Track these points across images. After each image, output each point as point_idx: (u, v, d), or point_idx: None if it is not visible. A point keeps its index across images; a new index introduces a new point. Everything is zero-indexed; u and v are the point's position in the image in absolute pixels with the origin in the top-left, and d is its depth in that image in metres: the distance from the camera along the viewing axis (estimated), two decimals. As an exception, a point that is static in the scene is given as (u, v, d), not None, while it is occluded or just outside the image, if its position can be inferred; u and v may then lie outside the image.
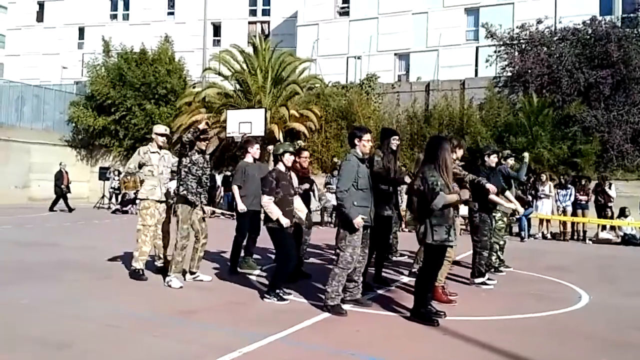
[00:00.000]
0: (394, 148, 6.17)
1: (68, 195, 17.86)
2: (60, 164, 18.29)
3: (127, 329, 4.47)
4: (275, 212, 5.46)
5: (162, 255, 6.92)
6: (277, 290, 5.58)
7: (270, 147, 7.41)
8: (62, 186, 17.66)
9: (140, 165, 6.64)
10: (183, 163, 6.33)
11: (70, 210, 17.33)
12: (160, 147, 6.77)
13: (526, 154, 8.44)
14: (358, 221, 5.01)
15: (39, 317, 4.78)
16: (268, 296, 5.55)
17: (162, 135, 6.79)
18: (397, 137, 6.28)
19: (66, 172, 18.13)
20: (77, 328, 4.45)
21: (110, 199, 20.16)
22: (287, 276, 5.74)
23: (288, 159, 5.73)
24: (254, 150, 7.29)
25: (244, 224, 7.21)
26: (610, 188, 13.73)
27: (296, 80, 21.13)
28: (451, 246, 4.99)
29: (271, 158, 6.83)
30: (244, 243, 7.32)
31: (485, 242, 6.89)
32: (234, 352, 3.86)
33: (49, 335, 4.27)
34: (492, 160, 7.23)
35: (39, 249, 8.99)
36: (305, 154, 7.04)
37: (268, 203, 5.50)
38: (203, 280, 6.49)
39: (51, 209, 17.45)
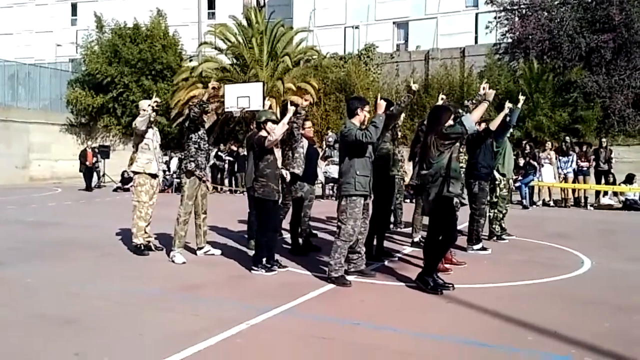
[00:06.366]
0: None
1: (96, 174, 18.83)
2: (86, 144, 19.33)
3: (134, 305, 4.51)
4: (279, 129, 5.51)
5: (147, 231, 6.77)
6: (264, 262, 5.62)
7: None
8: (87, 163, 18.19)
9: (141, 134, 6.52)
10: (193, 139, 6.27)
11: (89, 189, 17.70)
12: (151, 122, 6.69)
13: (521, 98, 7.82)
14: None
15: (45, 295, 4.82)
16: (255, 268, 5.61)
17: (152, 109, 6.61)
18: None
19: (92, 150, 19.08)
20: (84, 305, 4.48)
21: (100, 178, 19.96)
22: (267, 246, 5.70)
23: (270, 126, 5.71)
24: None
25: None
26: (605, 148, 13.65)
27: (289, 52, 20.78)
28: (463, 204, 4.98)
29: None
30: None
31: (483, 209, 7.07)
32: (242, 324, 3.91)
33: (56, 312, 4.31)
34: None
35: (43, 228, 9.03)
36: (308, 124, 7.04)
37: (270, 139, 5.52)
38: (215, 255, 6.55)
39: (88, 189, 17.75)
